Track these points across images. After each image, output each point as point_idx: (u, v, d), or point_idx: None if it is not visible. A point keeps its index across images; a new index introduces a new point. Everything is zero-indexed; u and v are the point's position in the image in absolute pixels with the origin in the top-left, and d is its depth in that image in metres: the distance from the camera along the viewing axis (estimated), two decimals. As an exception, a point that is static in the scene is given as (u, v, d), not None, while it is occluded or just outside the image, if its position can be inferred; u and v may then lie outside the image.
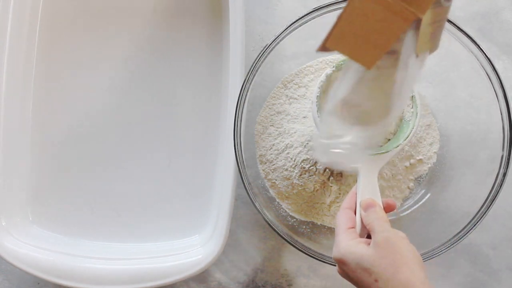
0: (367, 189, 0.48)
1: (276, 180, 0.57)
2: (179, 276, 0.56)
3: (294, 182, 0.56)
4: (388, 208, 0.48)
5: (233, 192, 0.55)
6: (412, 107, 0.52)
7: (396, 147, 0.50)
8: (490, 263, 0.61)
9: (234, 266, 0.62)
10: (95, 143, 0.61)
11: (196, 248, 0.58)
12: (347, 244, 0.45)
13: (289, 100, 0.58)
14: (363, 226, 0.46)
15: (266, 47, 0.54)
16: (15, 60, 0.59)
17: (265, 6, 0.63)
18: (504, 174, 0.53)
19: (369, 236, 0.46)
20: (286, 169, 0.56)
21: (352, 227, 0.47)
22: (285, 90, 0.58)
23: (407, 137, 0.51)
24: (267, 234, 0.62)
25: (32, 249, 0.57)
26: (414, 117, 0.51)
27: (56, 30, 0.61)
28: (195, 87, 0.61)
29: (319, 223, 0.58)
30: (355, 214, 0.48)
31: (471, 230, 0.53)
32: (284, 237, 0.53)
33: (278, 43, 0.54)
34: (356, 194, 0.48)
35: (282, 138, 0.57)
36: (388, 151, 0.50)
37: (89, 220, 0.61)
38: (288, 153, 0.56)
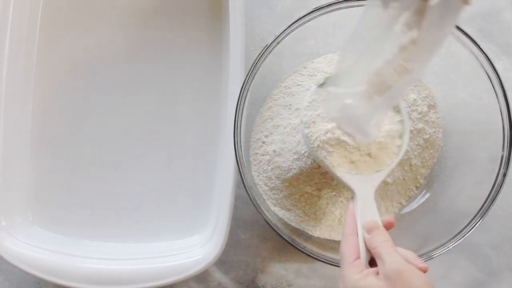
0: (366, 211, 0.47)
1: (266, 184, 0.58)
2: (179, 276, 0.55)
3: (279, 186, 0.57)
4: (388, 226, 0.47)
5: (233, 192, 0.55)
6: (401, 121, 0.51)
7: (388, 165, 0.50)
8: (490, 263, 0.61)
9: (234, 266, 0.62)
10: (95, 143, 0.61)
11: (196, 248, 0.58)
12: (355, 279, 0.43)
13: (289, 99, 0.58)
14: (367, 249, 0.45)
15: (266, 47, 0.54)
16: (15, 60, 0.59)
17: (265, 6, 0.63)
18: (504, 174, 0.53)
19: (373, 259, 0.45)
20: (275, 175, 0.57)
21: (358, 258, 0.45)
22: (285, 89, 0.58)
23: (399, 156, 0.50)
24: (267, 234, 0.62)
25: (32, 249, 0.57)
26: (405, 133, 0.50)
27: (56, 30, 0.61)
28: (195, 87, 0.61)
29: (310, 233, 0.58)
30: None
31: (471, 230, 0.53)
32: (284, 237, 0.53)
33: (278, 43, 0.54)
34: (355, 217, 0.47)
35: (277, 142, 0.57)
36: (380, 171, 0.49)
37: (89, 220, 0.61)
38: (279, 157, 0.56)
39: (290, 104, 0.57)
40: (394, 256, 0.44)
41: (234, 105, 0.53)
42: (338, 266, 0.53)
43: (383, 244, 0.45)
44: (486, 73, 0.53)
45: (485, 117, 0.56)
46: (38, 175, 0.61)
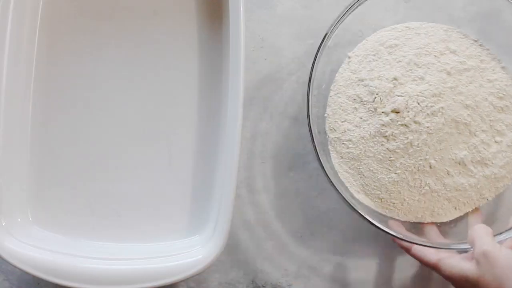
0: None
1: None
2: (179, 276, 0.55)
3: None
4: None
5: (233, 192, 0.55)
6: None
7: None
8: (490, 263, 0.61)
9: (234, 266, 0.62)
10: (95, 143, 0.61)
11: (196, 249, 0.58)
12: (450, 263, 0.49)
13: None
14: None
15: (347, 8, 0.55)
16: (15, 60, 0.59)
17: (265, 6, 0.63)
18: None
19: None
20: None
21: None
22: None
23: None
24: (267, 234, 0.62)
25: (32, 249, 0.57)
26: None
27: (56, 31, 0.61)
28: (195, 87, 0.61)
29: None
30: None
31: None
32: (374, 223, 0.54)
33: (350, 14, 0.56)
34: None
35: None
36: None
37: (89, 220, 0.61)
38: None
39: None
40: (483, 239, 0.47)
41: (234, 105, 0.53)
42: (429, 246, 0.53)
43: (477, 231, 0.48)
44: None
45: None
46: (38, 175, 0.61)
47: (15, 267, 0.56)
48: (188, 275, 0.55)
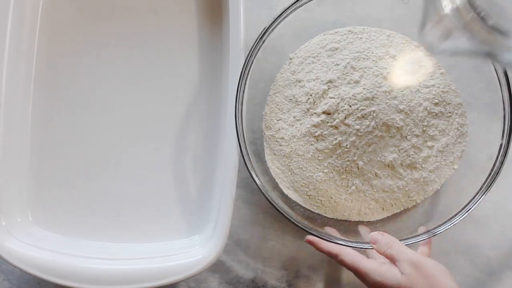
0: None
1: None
2: (179, 276, 0.55)
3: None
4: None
5: (233, 192, 0.55)
6: None
7: None
8: (490, 263, 0.61)
9: (234, 266, 0.62)
10: (95, 143, 0.61)
11: (196, 248, 0.58)
12: (380, 271, 0.49)
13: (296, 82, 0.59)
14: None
15: (264, 29, 0.55)
16: (15, 60, 0.59)
17: (265, 6, 0.63)
18: (502, 162, 0.54)
19: None
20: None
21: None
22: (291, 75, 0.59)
23: None
24: (267, 234, 0.62)
25: (32, 249, 0.57)
26: None
27: (56, 30, 0.61)
28: (196, 87, 0.61)
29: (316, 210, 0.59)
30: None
31: (470, 210, 0.54)
32: (289, 217, 0.54)
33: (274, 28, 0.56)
34: None
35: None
36: None
37: (89, 220, 0.61)
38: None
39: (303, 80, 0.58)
40: (405, 250, 0.49)
41: (234, 105, 0.53)
42: (352, 247, 0.53)
43: (395, 244, 0.50)
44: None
45: (485, 117, 0.57)
46: (38, 175, 0.61)
47: (15, 267, 0.56)
48: (188, 275, 0.55)
